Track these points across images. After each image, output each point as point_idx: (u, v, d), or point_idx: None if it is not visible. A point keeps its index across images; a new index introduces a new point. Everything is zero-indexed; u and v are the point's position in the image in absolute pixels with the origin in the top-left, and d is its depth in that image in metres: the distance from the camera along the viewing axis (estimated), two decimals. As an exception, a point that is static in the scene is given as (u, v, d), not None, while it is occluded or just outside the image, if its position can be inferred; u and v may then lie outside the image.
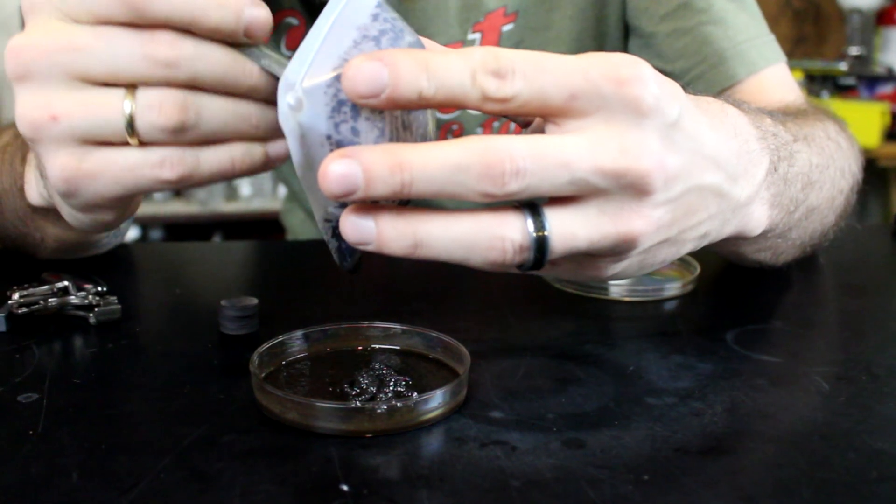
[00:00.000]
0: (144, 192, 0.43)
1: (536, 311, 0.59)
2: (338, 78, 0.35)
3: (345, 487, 0.37)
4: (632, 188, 0.37)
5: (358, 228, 0.36)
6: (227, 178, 0.43)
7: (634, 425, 0.43)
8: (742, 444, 0.42)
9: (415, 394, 0.43)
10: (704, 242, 0.44)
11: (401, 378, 0.45)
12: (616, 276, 0.41)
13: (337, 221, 0.39)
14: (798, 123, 0.60)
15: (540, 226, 0.36)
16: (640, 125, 0.36)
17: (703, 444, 0.41)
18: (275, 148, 0.44)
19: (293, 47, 0.78)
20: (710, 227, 0.42)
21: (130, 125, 0.40)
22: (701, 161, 0.39)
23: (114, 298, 0.55)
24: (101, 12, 0.39)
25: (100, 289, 0.56)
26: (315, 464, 0.38)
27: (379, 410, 0.41)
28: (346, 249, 0.41)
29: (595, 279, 0.40)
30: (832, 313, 0.65)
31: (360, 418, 0.40)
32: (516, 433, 0.41)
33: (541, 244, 0.36)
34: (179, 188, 0.43)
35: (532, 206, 0.36)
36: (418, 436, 0.41)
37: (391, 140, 0.37)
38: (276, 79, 0.41)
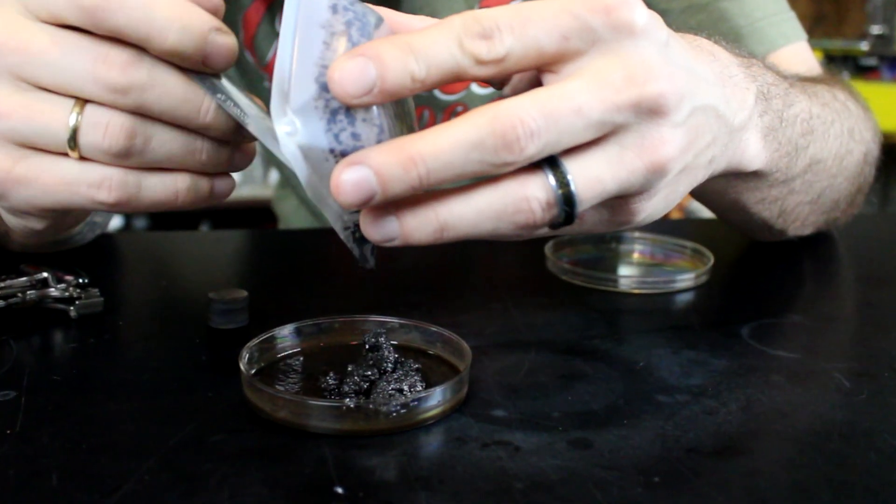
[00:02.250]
0: (78, 209, 0.43)
1: (541, 304, 0.59)
2: (323, 87, 0.35)
3: (339, 490, 0.37)
4: (648, 114, 0.37)
5: (380, 227, 0.36)
6: (168, 209, 0.43)
7: (644, 424, 0.42)
8: (757, 445, 0.42)
9: (413, 391, 0.43)
10: (711, 170, 0.44)
11: (398, 374, 0.44)
12: (645, 219, 0.41)
13: (356, 226, 0.39)
14: (800, 80, 0.61)
15: (562, 178, 0.36)
16: (638, 47, 0.37)
17: (716, 445, 0.41)
18: (221, 185, 0.44)
19: None
20: (714, 151, 0.43)
21: (73, 139, 0.40)
22: (696, 80, 0.40)
23: (96, 291, 0.55)
24: (58, 12, 0.39)
25: (81, 280, 0.56)
26: (308, 465, 0.38)
27: (375, 409, 0.40)
28: (370, 249, 0.41)
29: (626, 224, 0.41)
30: (852, 306, 0.65)
31: (355, 417, 0.40)
32: (520, 433, 0.41)
33: (567, 197, 0.36)
34: (116, 212, 0.43)
35: (550, 159, 0.36)
36: (417, 435, 0.41)
37: (392, 134, 0.37)
38: (231, 118, 0.41)
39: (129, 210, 0.43)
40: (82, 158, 0.41)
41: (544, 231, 0.38)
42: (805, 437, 0.42)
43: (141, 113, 0.40)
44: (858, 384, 0.48)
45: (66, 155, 0.41)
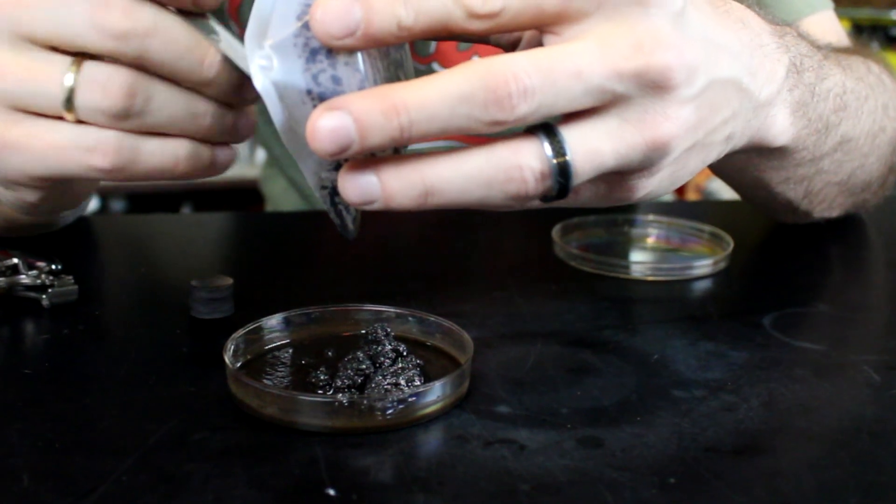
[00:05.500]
0: (73, 177, 0.44)
1: (548, 293, 0.59)
2: (305, 26, 0.36)
3: (331, 492, 0.37)
4: (653, 87, 0.37)
5: (360, 186, 0.36)
6: (166, 178, 0.43)
7: (659, 421, 0.42)
8: (780, 443, 0.42)
9: (411, 386, 0.43)
10: (728, 147, 0.44)
11: (395, 368, 0.44)
12: (648, 196, 0.41)
13: (333, 185, 0.40)
14: (834, 52, 0.61)
15: (558, 148, 0.36)
16: (648, 15, 0.37)
17: (736, 443, 0.41)
18: (222, 155, 0.44)
19: None
20: (734, 127, 0.43)
21: (69, 100, 0.40)
22: (716, 51, 0.40)
23: (70, 278, 0.55)
24: None
25: (54, 267, 0.55)
26: (298, 465, 0.38)
27: (370, 405, 0.40)
28: (349, 214, 0.42)
29: (625, 201, 0.41)
30: (883, 294, 0.65)
31: (348, 414, 0.40)
32: (525, 430, 0.41)
33: (563, 168, 0.36)
34: (112, 180, 0.43)
35: (546, 126, 0.37)
36: (414, 433, 0.41)
37: (376, 83, 0.37)
38: (233, 65, 0.41)
39: (126, 178, 0.43)
40: (79, 122, 0.41)
41: (536, 203, 0.38)
42: (832, 436, 0.42)
43: (142, 66, 0.40)
44: (889, 378, 0.48)
45: (62, 119, 0.41)
